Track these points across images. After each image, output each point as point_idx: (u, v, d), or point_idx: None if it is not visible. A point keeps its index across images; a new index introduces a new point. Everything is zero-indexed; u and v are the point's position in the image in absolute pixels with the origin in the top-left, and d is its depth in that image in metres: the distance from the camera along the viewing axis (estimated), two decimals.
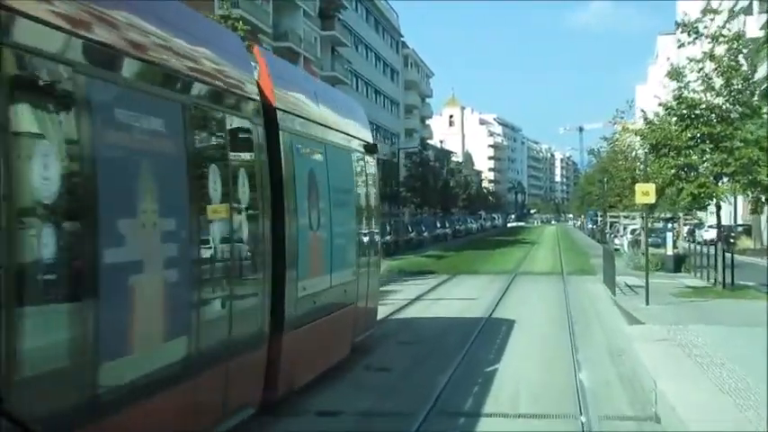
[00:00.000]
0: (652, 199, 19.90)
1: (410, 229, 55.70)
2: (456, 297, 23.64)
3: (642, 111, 24.69)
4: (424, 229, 59.77)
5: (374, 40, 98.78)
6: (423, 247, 55.75)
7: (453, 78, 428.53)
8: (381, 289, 26.09)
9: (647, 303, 19.43)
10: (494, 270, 33.96)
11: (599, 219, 73.23)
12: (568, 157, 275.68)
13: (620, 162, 54.05)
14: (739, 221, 59.61)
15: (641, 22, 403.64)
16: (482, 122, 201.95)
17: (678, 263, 33.33)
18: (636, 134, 24.31)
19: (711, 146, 22.30)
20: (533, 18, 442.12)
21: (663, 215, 35.46)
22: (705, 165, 22.29)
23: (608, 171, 55.68)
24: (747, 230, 54.89)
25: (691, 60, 23.22)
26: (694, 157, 22.53)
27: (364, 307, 13.24)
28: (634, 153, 49.54)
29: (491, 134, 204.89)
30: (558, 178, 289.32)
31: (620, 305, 20.14)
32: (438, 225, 68.53)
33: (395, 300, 22.52)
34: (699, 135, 22.45)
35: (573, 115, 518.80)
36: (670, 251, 33.40)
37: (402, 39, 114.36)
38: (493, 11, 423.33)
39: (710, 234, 54.44)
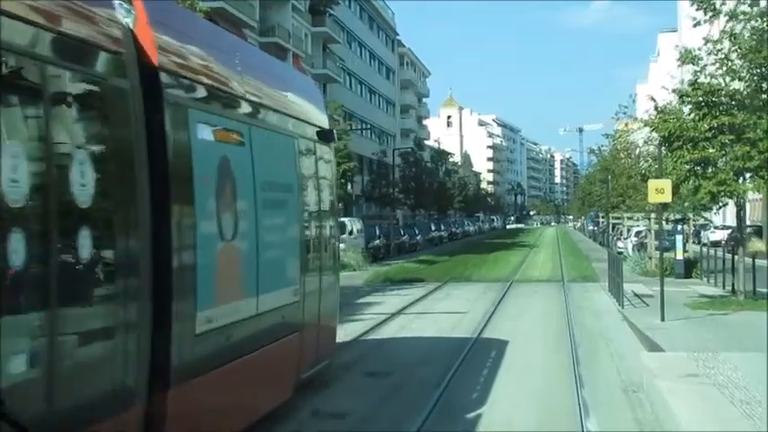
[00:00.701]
0: (667, 197, 17.15)
1: (402, 232, 52.79)
2: (443, 311, 20.85)
3: (652, 99, 21.94)
4: (417, 232, 56.90)
5: (368, 38, 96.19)
6: (416, 251, 53.09)
7: (451, 79, 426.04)
8: (360, 301, 23.41)
9: (663, 319, 16.70)
10: (488, 277, 31.14)
11: (600, 220, 70.53)
12: (568, 159, 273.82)
13: (623, 160, 51.51)
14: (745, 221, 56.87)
15: (640, 22, 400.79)
16: (481, 123, 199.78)
17: (689, 268, 30.73)
18: (646, 125, 21.53)
19: (732, 137, 19.55)
20: (532, 18, 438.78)
21: (672, 216, 32.65)
22: (726, 159, 19.47)
23: (610, 170, 53.10)
24: (758, 231, 52.03)
25: (707, 41, 20.53)
26: (712, 151, 19.73)
27: (314, 333, 10.46)
28: (638, 150, 46.99)
29: (490, 135, 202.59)
30: (557, 179, 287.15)
31: (630, 321, 17.41)
32: (433, 228, 65.64)
33: (372, 315, 19.76)
34: (717, 125, 19.69)
35: (573, 116, 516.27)
36: (680, 255, 30.74)
37: (398, 37, 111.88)
38: (490, 11, 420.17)
39: (717, 236, 51.75)
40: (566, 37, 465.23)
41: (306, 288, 9.96)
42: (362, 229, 41.28)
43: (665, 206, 22.69)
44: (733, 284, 23.08)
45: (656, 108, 21.77)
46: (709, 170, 20.10)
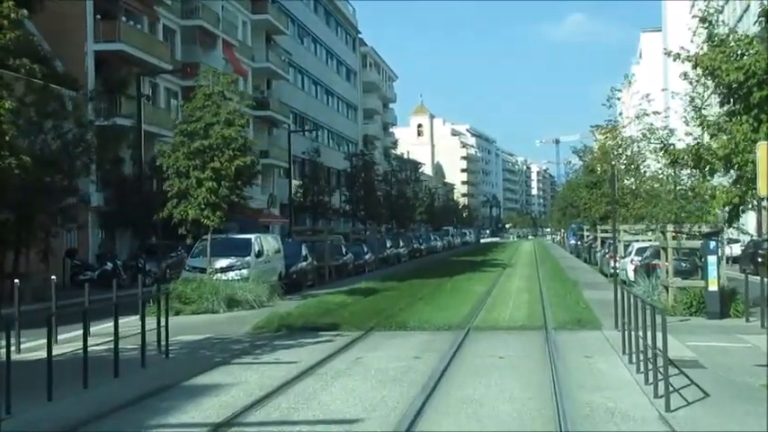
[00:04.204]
0: None
1: (344, 251, 42.57)
2: (318, 416, 10.80)
3: (703, 20, 12.29)
4: (366, 249, 46.75)
5: (324, 33, 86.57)
6: (364, 272, 43.29)
7: (422, 87, 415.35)
8: (192, 382, 12.51)
9: None
10: (435, 321, 20.60)
11: (585, 233, 61.09)
12: (545, 170, 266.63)
13: (613, 157, 42.07)
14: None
15: (617, 36, 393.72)
16: (454, 133, 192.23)
17: (725, 302, 21.30)
18: (696, 66, 11.82)
19: None
20: (508, 30, 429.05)
21: (697, 227, 22.93)
22: None
23: (596, 172, 43.70)
24: None
25: None
26: None
27: None
28: (636, 146, 37.65)
29: (464, 145, 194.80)
30: (534, 191, 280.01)
31: None
32: (389, 244, 55.40)
33: (175, 429, 9.76)
34: None
35: (549, 127, 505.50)
36: (714, 285, 21.12)
37: (359, 35, 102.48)
38: (464, 20, 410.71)
39: (726, 250, 42.29)
40: (542, 48, 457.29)
41: None
42: (281, 249, 31.26)
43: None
44: None
45: (710, 39, 12.19)
46: None
